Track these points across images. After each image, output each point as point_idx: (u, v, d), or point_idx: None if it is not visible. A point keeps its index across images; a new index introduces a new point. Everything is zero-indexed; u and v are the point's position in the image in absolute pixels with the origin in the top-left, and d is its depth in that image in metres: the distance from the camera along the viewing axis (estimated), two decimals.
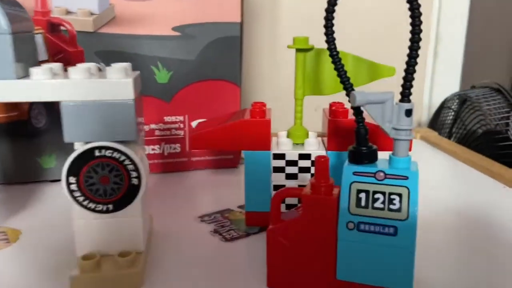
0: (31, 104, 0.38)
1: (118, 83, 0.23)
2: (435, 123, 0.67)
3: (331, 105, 0.32)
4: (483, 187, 0.41)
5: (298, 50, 0.31)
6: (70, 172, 0.24)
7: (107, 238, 0.25)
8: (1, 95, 0.22)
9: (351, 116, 0.30)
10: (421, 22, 0.21)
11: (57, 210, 0.34)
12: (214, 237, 0.31)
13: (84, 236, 0.25)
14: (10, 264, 0.27)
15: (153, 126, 0.42)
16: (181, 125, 0.42)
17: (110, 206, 0.25)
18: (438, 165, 0.48)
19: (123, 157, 0.24)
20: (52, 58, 0.37)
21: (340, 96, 0.32)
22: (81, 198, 0.25)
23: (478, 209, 0.36)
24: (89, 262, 0.24)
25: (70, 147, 0.25)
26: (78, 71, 0.23)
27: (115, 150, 0.24)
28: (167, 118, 0.42)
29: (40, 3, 0.36)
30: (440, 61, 0.76)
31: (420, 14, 0.21)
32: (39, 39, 0.37)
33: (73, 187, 0.24)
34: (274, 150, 0.31)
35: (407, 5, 0.21)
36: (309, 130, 0.32)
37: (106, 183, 0.25)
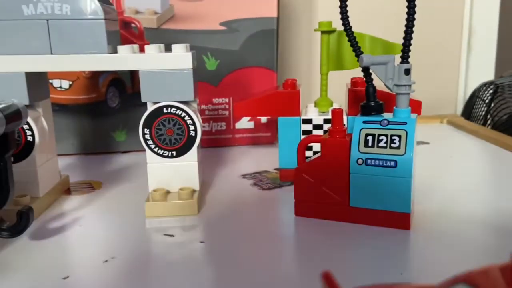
0: (107, 88, 0.47)
1: (180, 55, 0.31)
2: (467, 114, 0.69)
3: (352, 79, 0.38)
4: None
5: (323, 32, 0.37)
6: (145, 125, 0.32)
7: (171, 177, 0.33)
8: (96, 65, 0.30)
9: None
10: None
11: (129, 171, 0.43)
12: (253, 187, 0.37)
13: (155, 175, 0.33)
14: (98, 201, 0.35)
15: (203, 106, 0.50)
16: (226, 106, 0.50)
17: (174, 153, 0.33)
18: (465, 146, 0.52)
19: (184, 114, 0.32)
20: None
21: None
22: (153, 146, 0.32)
23: None
24: (158, 193, 0.32)
25: (137, 123, 0.32)
26: (152, 48, 0.31)
27: (178, 108, 0.32)
28: (215, 100, 0.50)
29: (116, 4, 0.45)
30: (474, 54, 0.79)
31: None
32: None
33: (147, 137, 0.32)
34: (303, 116, 0.37)
35: None
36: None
37: (171, 134, 0.32)
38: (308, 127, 0.37)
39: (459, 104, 0.79)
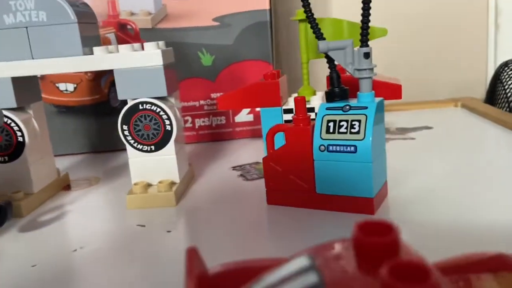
0: (109, 89, 0.50)
1: (151, 53, 0.32)
2: (489, 97, 0.65)
3: None
4: None
5: (300, 20, 0.37)
6: (123, 122, 0.34)
7: (151, 170, 0.34)
8: (73, 67, 0.32)
9: (347, 73, 0.36)
10: None
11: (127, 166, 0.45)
12: (238, 178, 0.38)
13: (136, 169, 0.34)
14: (94, 195, 0.37)
15: (202, 102, 0.51)
16: None
17: (152, 147, 0.34)
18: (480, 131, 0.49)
19: (159, 109, 0.33)
20: None
21: None
22: (132, 141, 0.34)
23: None
24: (139, 186, 0.33)
25: None
26: (124, 47, 0.32)
27: (152, 104, 0.33)
28: (213, 95, 0.51)
29: (111, 8, 0.47)
30: (502, 34, 0.75)
31: None
32: (112, 37, 0.48)
33: (126, 133, 0.34)
34: (284, 106, 0.37)
35: None
36: None
37: (148, 129, 0.34)
38: (290, 116, 0.37)
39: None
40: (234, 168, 0.41)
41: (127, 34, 0.48)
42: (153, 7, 0.48)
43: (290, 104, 0.37)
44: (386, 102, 0.35)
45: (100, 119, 0.50)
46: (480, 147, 0.42)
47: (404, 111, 0.58)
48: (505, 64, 0.61)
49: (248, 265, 0.13)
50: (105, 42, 0.47)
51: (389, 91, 0.35)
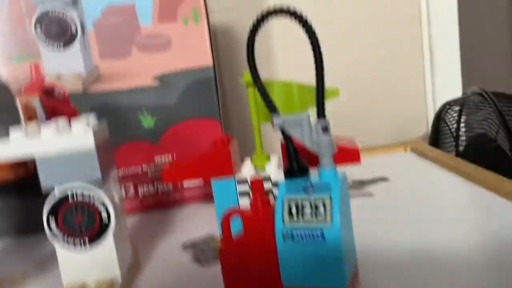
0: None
1: (80, 135, 0.28)
2: (434, 138, 0.65)
3: None
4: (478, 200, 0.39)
5: (248, 84, 0.34)
6: (49, 213, 0.28)
7: (86, 268, 0.29)
8: None
9: None
10: (317, 43, 0.24)
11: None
12: (192, 264, 0.33)
13: (67, 268, 0.29)
14: None
15: (145, 167, 0.46)
16: None
17: (86, 241, 0.29)
18: (428, 176, 0.49)
19: (92, 199, 0.28)
20: (51, 119, 0.42)
21: None
22: (60, 235, 0.29)
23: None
24: None
25: None
26: (48, 127, 0.28)
27: (85, 192, 0.28)
28: (157, 158, 0.46)
29: (34, 72, 0.42)
30: (438, 74, 0.77)
31: (316, 39, 0.24)
32: (36, 103, 0.42)
33: (53, 226, 0.28)
34: (238, 176, 0.34)
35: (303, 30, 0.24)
36: None
37: (80, 221, 0.28)
38: (245, 187, 0.34)
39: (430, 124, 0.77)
40: (185, 247, 0.37)
41: (55, 100, 0.43)
42: (83, 69, 0.43)
43: (244, 172, 0.34)
44: None
45: (25, 197, 0.44)
46: (444, 202, 0.40)
47: None
48: (448, 105, 0.62)
49: None
50: (28, 111, 0.41)
51: (348, 155, 0.33)
